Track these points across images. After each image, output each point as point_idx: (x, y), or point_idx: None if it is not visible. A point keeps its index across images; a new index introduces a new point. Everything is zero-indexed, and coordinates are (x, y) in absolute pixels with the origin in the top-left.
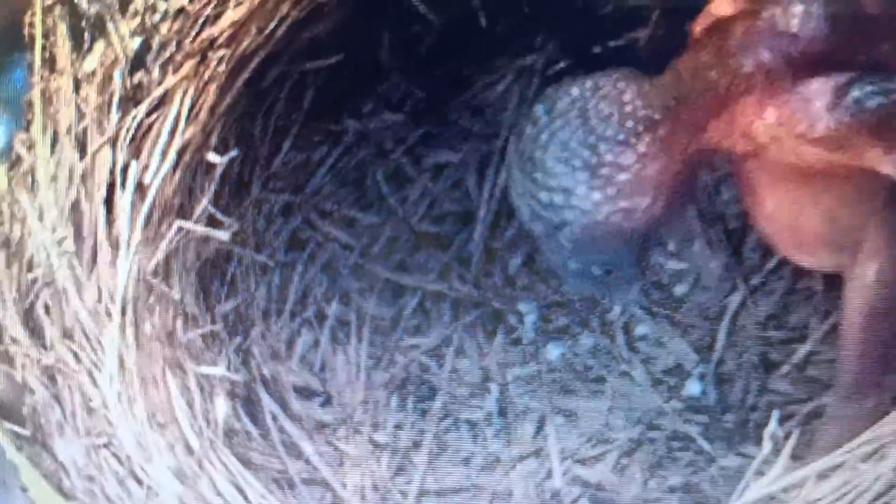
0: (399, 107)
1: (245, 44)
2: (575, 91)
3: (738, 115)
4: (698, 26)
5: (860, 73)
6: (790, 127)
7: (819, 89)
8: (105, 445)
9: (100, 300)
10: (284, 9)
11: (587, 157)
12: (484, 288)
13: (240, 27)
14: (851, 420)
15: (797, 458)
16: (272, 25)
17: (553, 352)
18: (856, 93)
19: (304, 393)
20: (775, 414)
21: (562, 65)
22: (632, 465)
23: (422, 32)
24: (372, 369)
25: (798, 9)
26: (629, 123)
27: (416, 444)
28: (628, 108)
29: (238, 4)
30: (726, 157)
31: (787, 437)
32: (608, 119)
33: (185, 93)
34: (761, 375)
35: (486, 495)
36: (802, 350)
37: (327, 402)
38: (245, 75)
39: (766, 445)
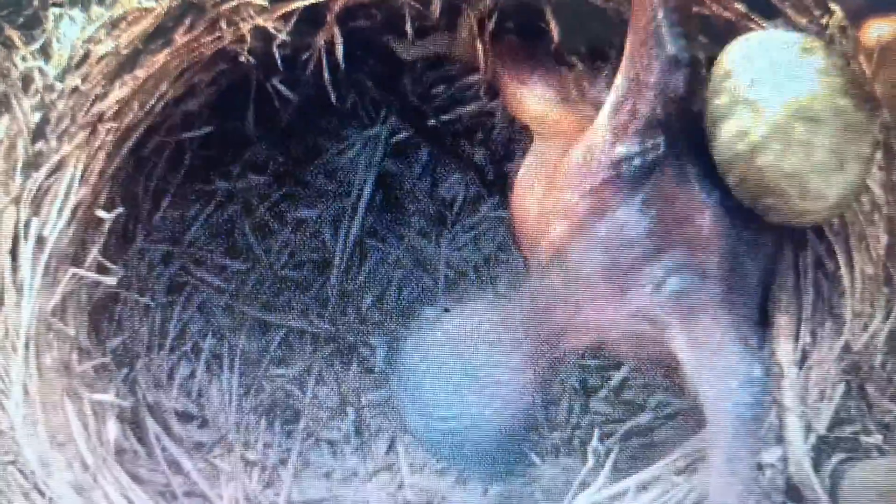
0: (263, 170)
1: (129, 117)
2: (440, 335)
3: (590, 318)
4: (540, 251)
5: (677, 267)
6: (626, 315)
7: (647, 279)
8: (12, 462)
9: (6, 336)
10: (163, 88)
11: (470, 384)
12: (340, 324)
13: (125, 104)
14: None
15: (619, 471)
16: (152, 102)
17: None
18: (673, 284)
19: (184, 417)
20: (596, 432)
21: (403, 135)
22: (473, 478)
23: (281, 107)
24: (243, 396)
25: (622, 219)
26: (497, 347)
27: (283, 461)
28: (492, 336)
29: (123, 85)
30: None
31: (608, 452)
32: (477, 349)
33: (78, 159)
34: (582, 398)
35: None
36: (618, 376)
37: (204, 424)
38: (129, 144)
39: (590, 459)
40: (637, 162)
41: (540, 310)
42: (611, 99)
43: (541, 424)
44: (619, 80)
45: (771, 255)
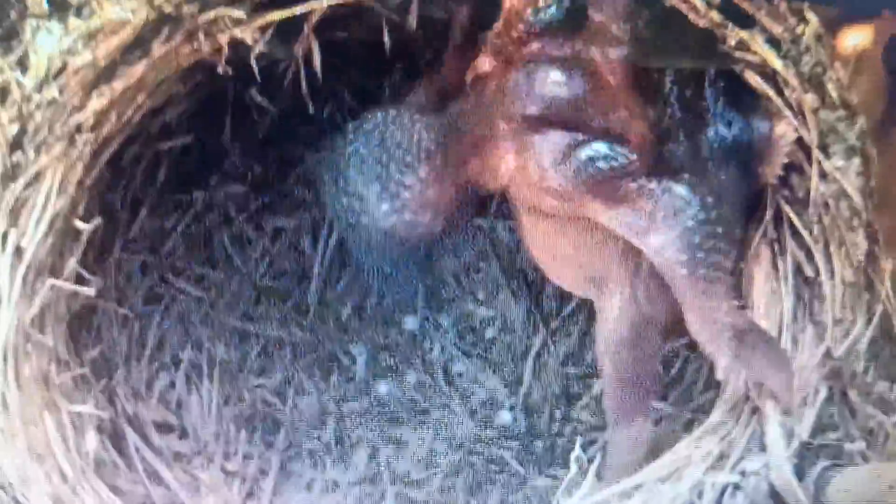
0: (241, 180)
1: (107, 128)
2: (379, 116)
3: (488, 157)
4: (469, 76)
5: (589, 136)
6: (525, 175)
7: (551, 147)
8: None
9: None
10: (140, 99)
11: (379, 171)
12: (319, 334)
13: (102, 114)
14: (627, 444)
15: (601, 478)
16: (130, 113)
17: (382, 388)
18: (581, 155)
19: (163, 428)
20: (579, 440)
21: None
22: (455, 486)
23: (259, 117)
24: (223, 406)
25: (540, 72)
26: (413, 150)
27: (263, 472)
28: (415, 138)
29: (100, 96)
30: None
31: (590, 460)
32: (399, 145)
33: (56, 170)
34: (564, 406)
35: None
36: (599, 384)
37: (183, 435)
38: (107, 155)
39: (573, 468)
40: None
41: (453, 130)
42: None
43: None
44: None
45: None
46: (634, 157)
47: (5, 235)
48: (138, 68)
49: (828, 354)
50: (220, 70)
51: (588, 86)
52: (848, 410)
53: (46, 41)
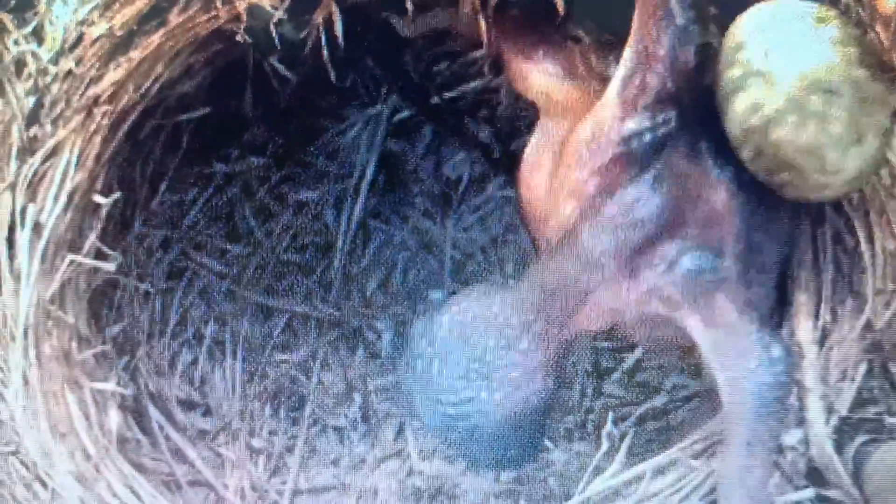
0: (262, 152)
1: (124, 100)
2: (446, 320)
3: (601, 301)
4: (549, 232)
5: (690, 246)
6: (641, 301)
7: (661, 258)
8: (13, 453)
9: (4, 325)
10: (158, 69)
11: (478, 368)
12: (344, 308)
13: (120, 86)
14: None
15: (634, 455)
16: (148, 84)
17: None
18: (687, 263)
19: (187, 405)
20: (610, 415)
21: (404, 113)
22: (483, 465)
23: (280, 87)
24: (247, 382)
25: (633, 197)
26: (506, 331)
27: (289, 449)
28: (500, 319)
29: (118, 67)
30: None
31: (622, 436)
32: (485, 334)
33: (73, 144)
34: (595, 381)
35: (354, 493)
36: (631, 358)
37: (207, 412)
38: (125, 127)
39: (604, 444)
40: (647, 138)
41: (549, 292)
42: (619, 73)
43: (553, 409)
44: (628, 53)
45: (788, 231)
46: (734, 269)
47: (24, 211)
48: (156, 38)
49: (868, 326)
50: (239, 38)
51: (677, 186)
52: (889, 384)
53: (62, 12)
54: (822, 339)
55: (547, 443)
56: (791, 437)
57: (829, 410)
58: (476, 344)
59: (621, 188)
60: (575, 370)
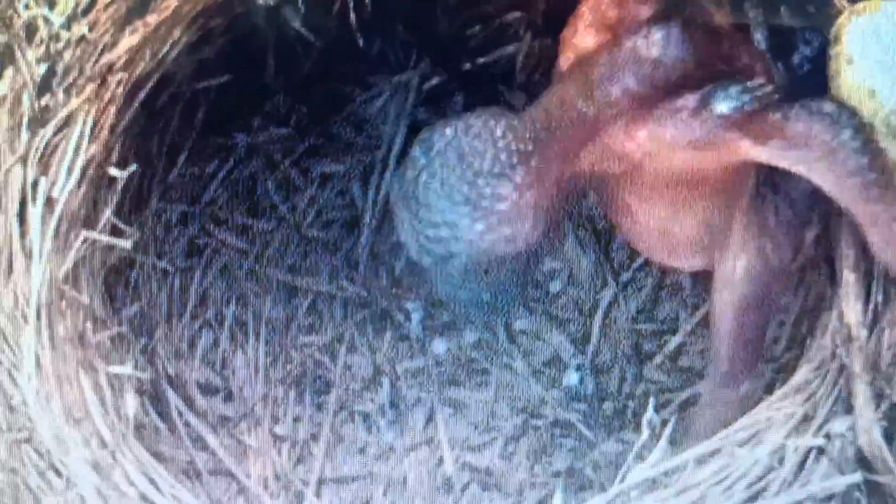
0: (285, 122)
1: (140, 67)
2: (449, 131)
3: (609, 141)
4: (564, 61)
5: (719, 82)
6: (661, 139)
7: (684, 103)
8: (26, 440)
9: (16, 305)
10: (175, 34)
11: (467, 191)
12: (372, 288)
13: (135, 53)
14: (725, 407)
15: (675, 443)
16: (164, 50)
17: (439, 346)
18: (718, 100)
19: (207, 389)
20: (651, 402)
21: (435, 81)
22: (518, 452)
23: (303, 53)
24: (270, 366)
25: (657, 35)
26: (503, 156)
27: (314, 436)
28: (501, 143)
29: (133, 32)
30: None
31: (664, 423)
32: (483, 154)
33: (87, 114)
34: (636, 366)
35: (382, 483)
36: (674, 341)
37: (229, 397)
38: (141, 96)
39: (645, 432)
40: None
41: (554, 121)
42: None
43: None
44: None
45: None
46: (770, 87)
47: (35, 185)
48: (173, 1)
49: None
50: (261, 1)
51: (707, 39)
52: None
53: None
54: (874, 322)
55: (584, 430)
56: (839, 425)
57: (880, 397)
58: (471, 164)
59: (647, 25)
60: (614, 354)
